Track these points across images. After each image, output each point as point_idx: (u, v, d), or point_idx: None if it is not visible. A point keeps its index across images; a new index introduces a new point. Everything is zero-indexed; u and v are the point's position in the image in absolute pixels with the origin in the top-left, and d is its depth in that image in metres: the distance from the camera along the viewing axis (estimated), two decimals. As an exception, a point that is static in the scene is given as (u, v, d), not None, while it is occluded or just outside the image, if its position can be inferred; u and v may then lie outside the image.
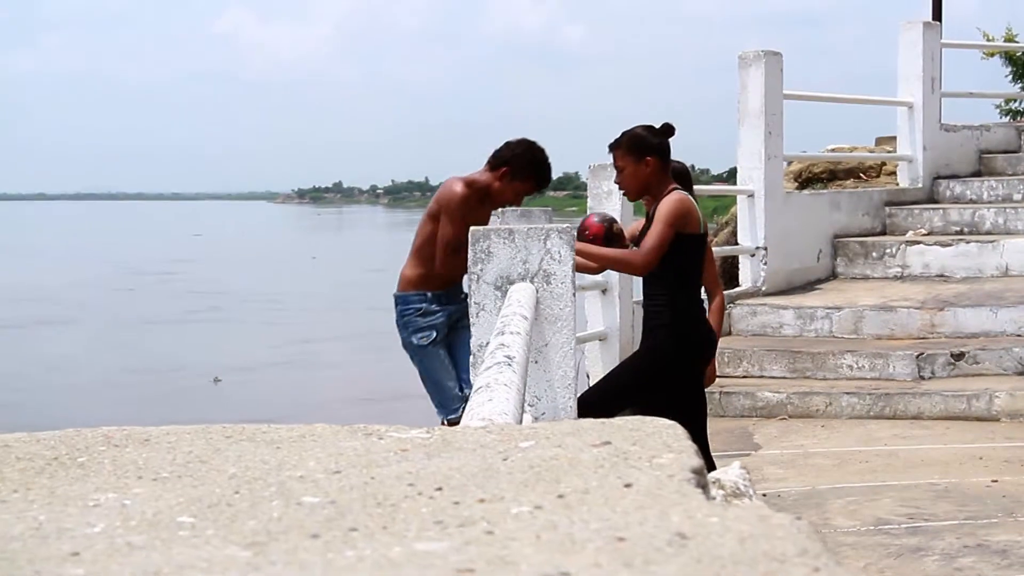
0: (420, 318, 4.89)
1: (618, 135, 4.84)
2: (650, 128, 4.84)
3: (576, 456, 0.84)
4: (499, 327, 2.81)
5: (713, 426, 6.40)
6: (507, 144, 5.10)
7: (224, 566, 0.66)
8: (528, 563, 0.66)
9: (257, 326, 29.56)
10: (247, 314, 32.20)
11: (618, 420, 0.92)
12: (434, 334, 4.87)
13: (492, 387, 1.95)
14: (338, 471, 0.82)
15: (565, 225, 3.77)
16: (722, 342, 7.36)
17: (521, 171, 4.98)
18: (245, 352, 24.78)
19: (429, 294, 4.91)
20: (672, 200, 4.68)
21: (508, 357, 2.29)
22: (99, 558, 0.69)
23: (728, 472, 0.83)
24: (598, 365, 6.69)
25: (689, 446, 0.83)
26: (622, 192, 4.93)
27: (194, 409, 18.27)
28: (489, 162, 5.05)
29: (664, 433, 0.87)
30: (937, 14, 10.84)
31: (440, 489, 0.81)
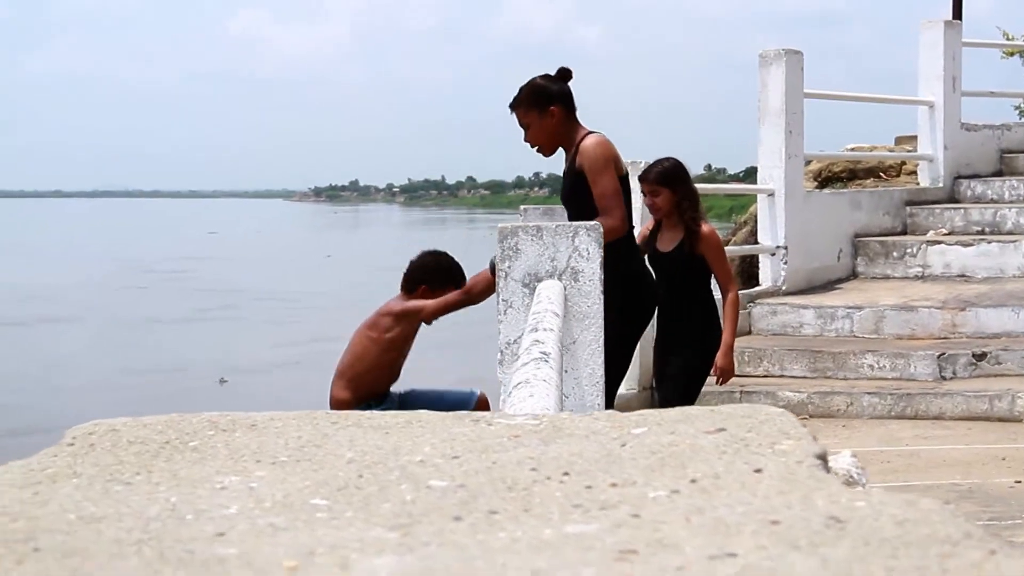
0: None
1: (515, 93, 4.69)
2: (547, 76, 4.69)
3: (695, 442, 0.84)
4: (532, 323, 2.82)
5: (733, 425, 6.42)
6: (412, 264, 5.20)
7: (377, 547, 0.67)
8: (690, 545, 0.67)
9: (268, 325, 29.62)
10: (258, 313, 32.27)
11: (727, 408, 0.92)
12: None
13: (532, 383, 1.96)
14: (456, 456, 0.83)
15: (593, 223, 3.77)
16: (742, 341, 7.37)
17: (438, 282, 5.06)
18: (254, 352, 24.82)
19: (371, 402, 5.07)
20: (595, 144, 4.52)
21: (544, 353, 2.30)
22: (246, 538, 0.69)
23: (839, 460, 0.83)
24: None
25: (805, 433, 0.84)
26: (536, 150, 4.76)
27: (197, 410, 18.30)
28: (404, 288, 5.16)
29: (777, 420, 0.87)
30: (957, 13, 10.81)
31: (567, 474, 0.81)
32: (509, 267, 3.75)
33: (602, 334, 3.72)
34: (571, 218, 4.71)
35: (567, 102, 4.66)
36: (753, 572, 0.62)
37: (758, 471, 0.77)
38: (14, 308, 32.71)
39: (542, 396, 1.83)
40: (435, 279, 5.07)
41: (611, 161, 4.55)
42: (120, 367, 22.53)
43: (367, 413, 0.88)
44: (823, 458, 0.79)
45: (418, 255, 5.28)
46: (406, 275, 5.18)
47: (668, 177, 5.03)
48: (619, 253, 4.35)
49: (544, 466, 0.81)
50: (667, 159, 5.17)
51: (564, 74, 4.71)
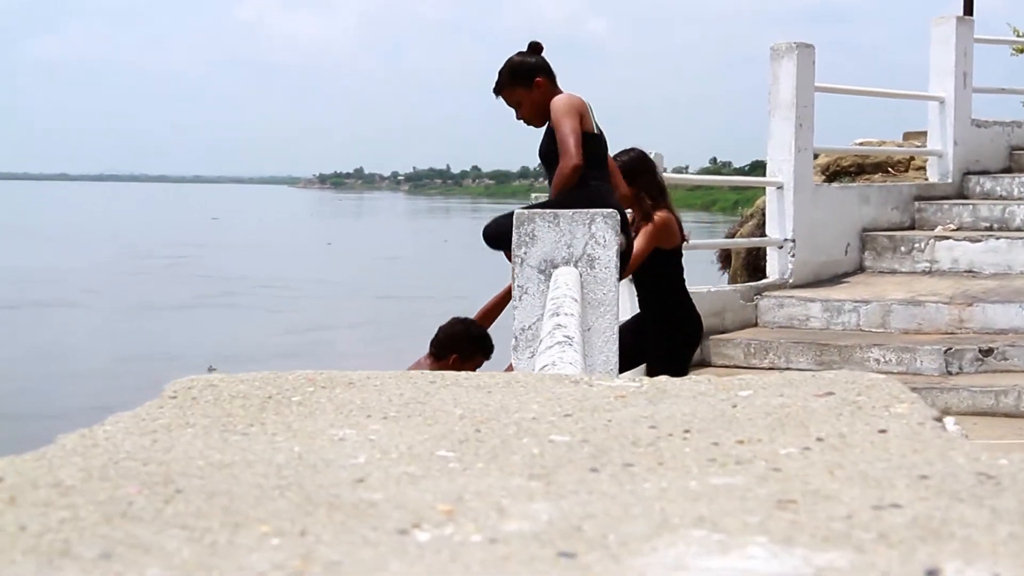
0: None
1: (496, 79, 4.78)
2: (522, 53, 4.78)
3: (806, 405, 0.85)
4: (552, 308, 2.83)
5: (739, 416, 6.42)
6: (443, 331, 5.13)
7: (526, 494, 0.68)
8: (847, 496, 0.67)
9: (264, 313, 29.47)
10: (256, 301, 32.11)
11: (828, 373, 0.92)
12: None
13: (559, 365, 1.98)
14: (568, 415, 0.84)
15: (609, 210, 3.79)
16: (748, 333, 7.38)
17: (468, 351, 5.02)
18: (248, 340, 24.65)
19: None
20: (563, 97, 4.60)
21: (567, 337, 2.32)
22: (387, 485, 0.70)
23: (946, 424, 0.84)
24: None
25: (917, 397, 0.84)
26: (529, 125, 4.79)
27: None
28: (433, 353, 5.09)
29: (884, 385, 0.87)
30: (969, 9, 10.80)
31: (688, 432, 0.81)
32: (525, 253, 3.76)
33: (617, 322, 3.74)
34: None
35: (549, 72, 4.76)
36: (927, 521, 0.63)
37: (883, 431, 0.76)
38: (10, 292, 32.55)
39: (571, 379, 1.85)
40: (466, 348, 5.07)
41: (575, 110, 4.60)
42: (110, 354, 22.40)
43: (463, 374, 0.89)
44: (940, 420, 0.79)
45: (448, 322, 5.23)
46: (436, 341, 5.14)
47: (625, 172, 5.01)
48: (576, 197, 4.44)
49: (662, 424, 0.81)
50: (627, 152, 5.13)
51: (536, 47, 4.83)
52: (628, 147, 5.19)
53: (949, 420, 0.86)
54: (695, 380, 0.88)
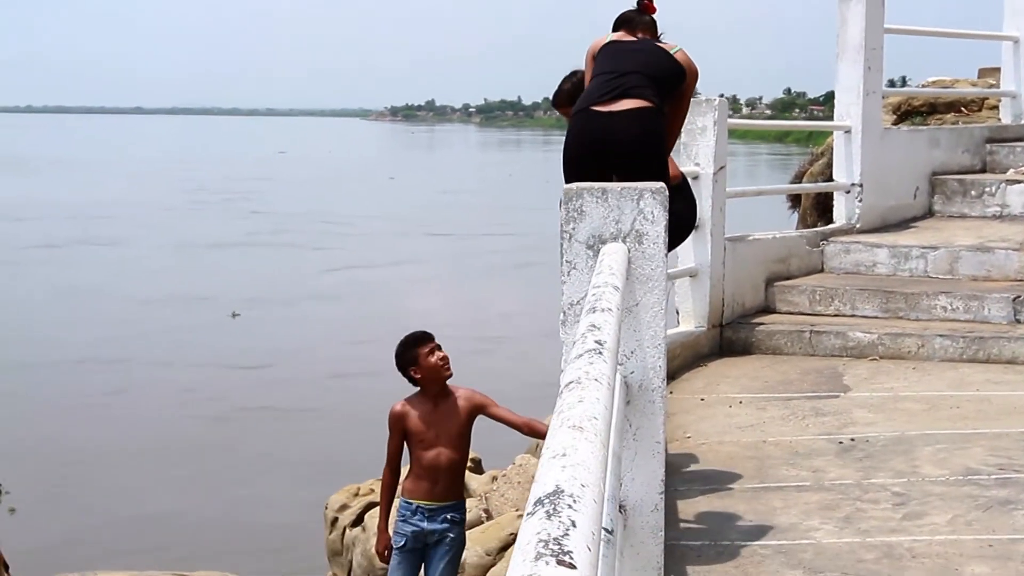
0: (400, 523, 4.97)
1: None
2: (630, 10, 4.96)
3: None
4: (591, 301, 2.84)
5: (803, 365, 6.39)
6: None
7: None
8: None
9: (307, 251, 29.37)
10: (305, 238, 32.03)
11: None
12: (402, 541, 4.92)
13: (583, 383, 1.98)
14: None
15: (658, 185, 3.78)
16: (814, 279, 7.33)
17: (411, 361, 4.99)
18: (281, 280, 24.58)
19: (413, 504, 4.97)
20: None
21: (598, 343, 2.32)
22: None
23: None
24: (688, 301, 6.72)
25: None
26: None
27: (205, 347, 18.34)
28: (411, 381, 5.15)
29: None
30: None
31: None
32: (574, 228, 3.77)
33: (664, 297, 3.75)
34: None
35: (627, 23, 4.86)
36: None
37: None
38: (57, 229, 32.76)
39: (591, 401, 1.86)
40: (406, 361, 5.01)
41: (588, 60, 4.78)
42: (141, 296, 22.46)
43: None
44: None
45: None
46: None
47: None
48: None
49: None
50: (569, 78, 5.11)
51: (642, 5, 4.92)
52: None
53: None
54: None
